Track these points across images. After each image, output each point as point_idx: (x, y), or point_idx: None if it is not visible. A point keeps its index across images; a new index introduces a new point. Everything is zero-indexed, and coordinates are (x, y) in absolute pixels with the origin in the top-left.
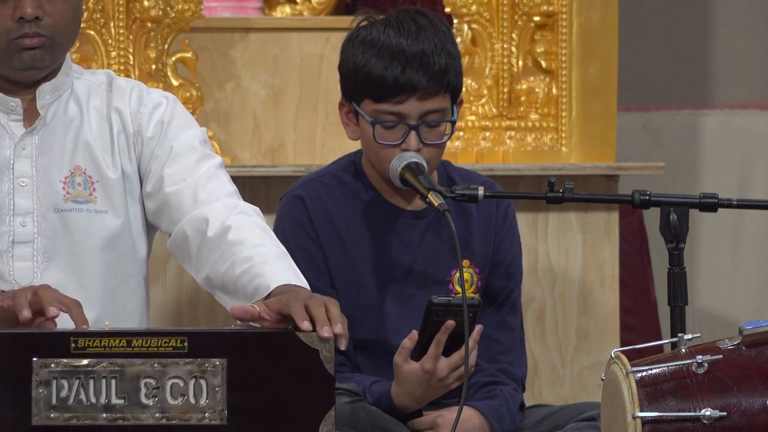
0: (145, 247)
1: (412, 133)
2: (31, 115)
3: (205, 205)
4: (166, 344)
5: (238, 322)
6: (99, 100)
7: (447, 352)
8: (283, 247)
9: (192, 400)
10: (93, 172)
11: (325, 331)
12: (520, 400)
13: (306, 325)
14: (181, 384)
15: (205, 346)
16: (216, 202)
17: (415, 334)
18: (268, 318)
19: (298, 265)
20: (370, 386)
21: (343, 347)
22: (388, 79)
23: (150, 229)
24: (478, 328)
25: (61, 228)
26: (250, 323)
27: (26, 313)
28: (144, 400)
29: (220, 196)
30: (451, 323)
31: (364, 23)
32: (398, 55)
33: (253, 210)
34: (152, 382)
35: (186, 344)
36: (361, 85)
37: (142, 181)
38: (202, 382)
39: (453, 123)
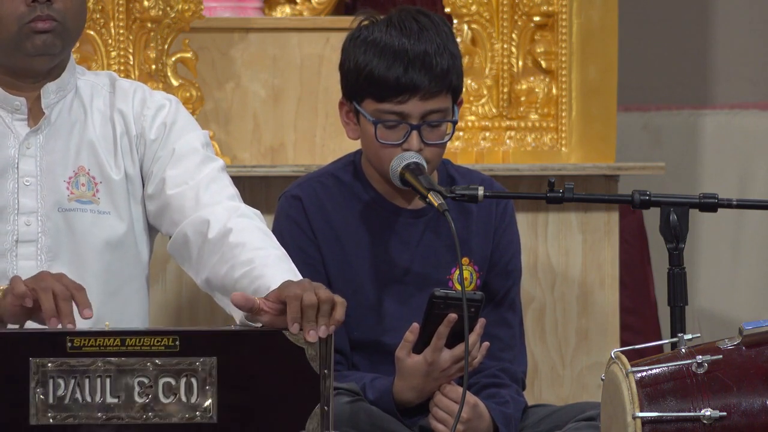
0: (147, 249)
1: (414, 133)
2: (35, 115)
3: (206, 208)
4: (159, 343)
5: (237, 322)
6: (102, 102)
7: (450, 344)
8: (283, 250)
9: (183, 399)
10: (96, 172)
11: (311, 336)
12: (524, 405)
13: (294, 328)
14: (173, 383)
15: (196, 345)
16: (217, 204)
17: (416, 326)
18: (268, 310)
19: (295, 265)
20: (371, 382)
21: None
22: (391, 79)
23: (152, 231)
24: (481, 321)
25: (65, 227)
26: (248, 324)
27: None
28: (137, 399)
29: (221, 199)
30: (453, 316)
31: (366, 23)
32: (401, 55)
33: (254, 213)
34: (145, 380)
35: (177, 343)
36: (362, 84)
37: (144, 182)
38: (193, 380)
39: (454, 123)
